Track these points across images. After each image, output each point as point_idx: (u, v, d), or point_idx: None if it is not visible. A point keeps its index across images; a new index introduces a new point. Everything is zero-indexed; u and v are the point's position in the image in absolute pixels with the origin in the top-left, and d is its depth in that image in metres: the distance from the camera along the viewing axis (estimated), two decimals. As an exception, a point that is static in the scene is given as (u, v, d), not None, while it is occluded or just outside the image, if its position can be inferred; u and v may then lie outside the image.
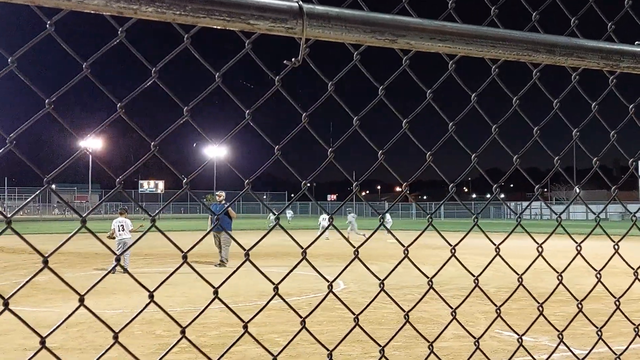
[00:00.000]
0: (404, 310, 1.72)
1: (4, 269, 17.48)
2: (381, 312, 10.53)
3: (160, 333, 9.17)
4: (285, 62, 1.34)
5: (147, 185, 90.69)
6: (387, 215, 39.56)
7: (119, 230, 16.76)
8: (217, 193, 19.60)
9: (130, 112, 1.32)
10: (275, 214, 1.45)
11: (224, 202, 18.81)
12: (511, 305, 10.63)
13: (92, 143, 78.16)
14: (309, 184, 1.49)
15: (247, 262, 1.52)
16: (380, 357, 1.62)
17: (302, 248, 1.47)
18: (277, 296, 1.52)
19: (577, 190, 2.02)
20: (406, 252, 1.61)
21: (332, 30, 1.31)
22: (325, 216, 33.53)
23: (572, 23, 1.80)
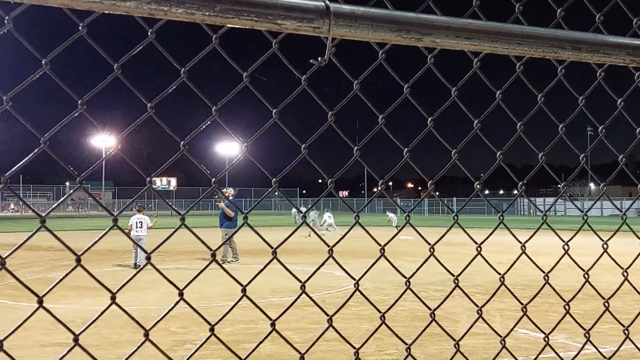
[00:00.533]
0: (430, 309, 1.73)
1: (20, 266, 17.68)
2: (394, 310, 10.52)
3: (175, 330, 9.23)
4: (311, 61, 1.34)
5: (160, 182, 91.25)
6: (392, 214, 39.32)
7: (136, 227, 17.09)
8: (223, 190, 19.75)
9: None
10: (301, 212, 1.45)
11: (231, 198, 18.96)
12: (524, 303, 10.59)
13: (108, 142, 78.61)
14: (333, 183, 1.50)
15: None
16: (407, 356, 1.62)
17: (328, 246, 1.47)
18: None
19: (603, 189, 2.01)
20: (432, 250, 1.61)
21: (359, 30, 1.32)
22: (330, 214, 33.79)
23: (598, 19, 1.79)
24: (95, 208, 78.28)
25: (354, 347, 1.50)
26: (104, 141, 78.54)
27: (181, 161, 1.47)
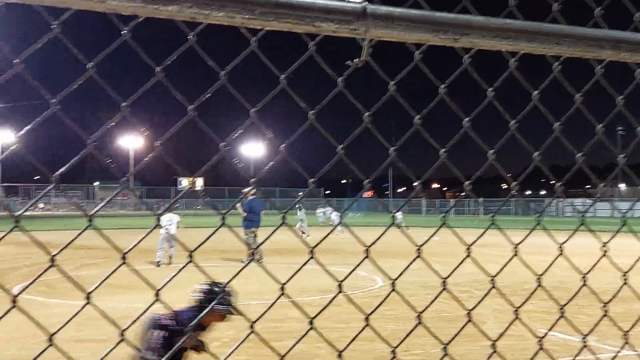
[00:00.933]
0: (466, 309, 1.72)
1: (59, 263, 18.04)
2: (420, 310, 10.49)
3: (203, 327, 9.33)
4: (348, 62, 1.35)
5: (186, 183, 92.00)
6: (398, 213, 39.04)
7: (167, 225, 17.81)
8: (244, 190, 19.93)
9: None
10: (335, 212, 1.47)
11: (251, 197, 19.11)
12: (554, 305, 10.44)
13: (134, 143, 79.48)
14: (370, 183, 1.51)
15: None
16: (443, 356, 1.62)
17: (365, 246, 1.48)
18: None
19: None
20: (469, 251, 1.60)
21: (396, 30, 1.32)
22: (338, 213, 33.85)
23: (637, 18, 1.76)
24: (123, 207, 79.27)
25: (392, 346, 1.51)
26: (132, 142, 79.53)
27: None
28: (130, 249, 1.23)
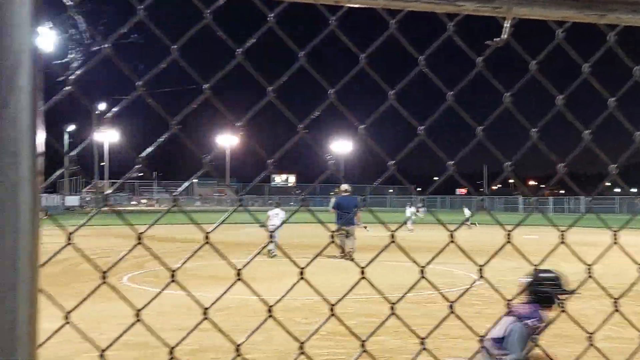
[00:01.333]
0: (615, 299, 1.64)
1: (161, 255, 19.11)
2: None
3: (299, 320, 9.50)
4: (487, 42, 1.32)
5: (279, 179, 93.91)
6: (468, 209, 37.25)
7: (273, 219, 18.70)
8: (341, 187, 20.06)
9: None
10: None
11: (347, 194, 19.15)
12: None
13: (230, 140, 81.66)
14: (511, 167, 1.46)
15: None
16: (589, 346, 1.55)
17: (507, 233, 1.44)
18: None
19: None
20: (615, 237, 1.52)
21: (539, 8, 1.27)
22: (411, 209, 33.17)
23: None
24: (220, 203, 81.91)
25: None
26: (228, 139, 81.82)
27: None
28: (275, 229, 1.27)
